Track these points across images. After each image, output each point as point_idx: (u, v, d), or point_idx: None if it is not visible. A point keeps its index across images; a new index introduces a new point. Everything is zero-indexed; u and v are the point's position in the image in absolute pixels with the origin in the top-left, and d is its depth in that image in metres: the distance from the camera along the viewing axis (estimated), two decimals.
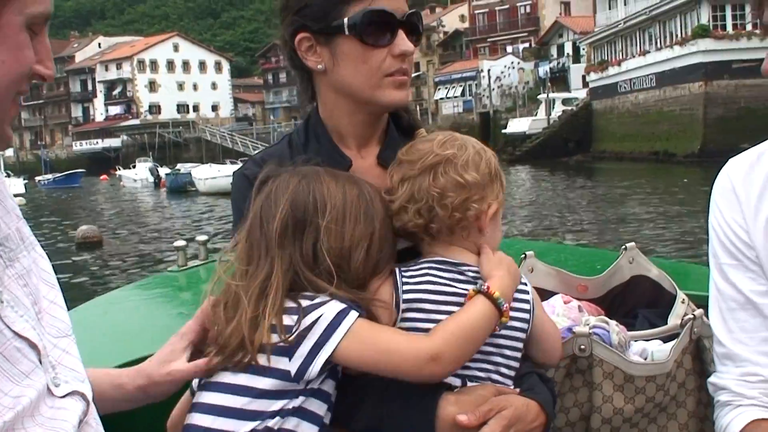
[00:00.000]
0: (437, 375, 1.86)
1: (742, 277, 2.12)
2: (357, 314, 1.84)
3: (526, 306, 2.08)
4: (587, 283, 3.15)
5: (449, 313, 1.94)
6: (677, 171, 43.34)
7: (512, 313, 2.00)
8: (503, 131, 70.90)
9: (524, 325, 2.07)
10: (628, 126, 57.93)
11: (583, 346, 2.57)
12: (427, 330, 1.91)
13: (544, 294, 3.07)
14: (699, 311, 2.69)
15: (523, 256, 3.12)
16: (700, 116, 48.55)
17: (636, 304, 3.10)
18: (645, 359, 2.70)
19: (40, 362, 1.46)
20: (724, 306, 2.17)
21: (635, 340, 2.77)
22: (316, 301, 1.85)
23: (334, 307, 1.84)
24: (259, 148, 77.52)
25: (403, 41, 2.11)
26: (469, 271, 2.02)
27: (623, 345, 2.65)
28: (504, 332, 2.01)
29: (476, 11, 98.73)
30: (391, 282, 1.98)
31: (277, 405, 1.81)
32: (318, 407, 1.87)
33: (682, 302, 2.93)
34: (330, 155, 2.20)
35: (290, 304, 1.86)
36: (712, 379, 2.22)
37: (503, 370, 2.04)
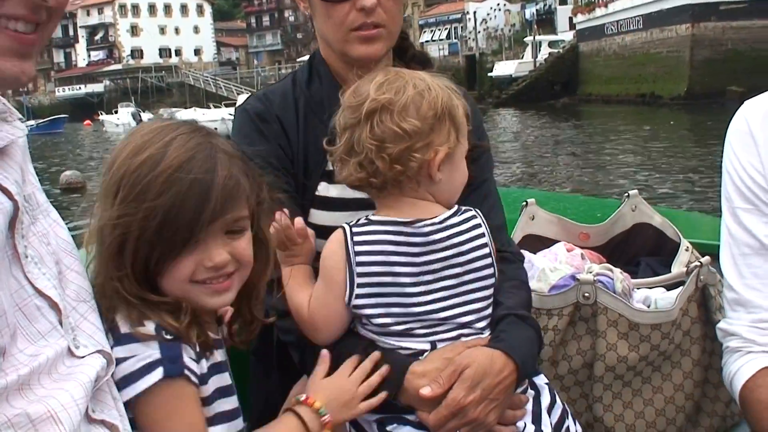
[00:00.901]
0: None
1: (757, 222, 2.08)
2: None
3: (484, 240, 1.97)
4: (589, 230, 3.13)
5: (399, 287, 1.89)
6: (663, 114, 43.35)
7: (479, 263, 1.94)
8: (489, 74, 70.47)
9: (490, 271, 1.98)
10: (615, 68, 57.73)
11: (587, 294, 2.56)
12: (376, 310, 1.88)
13: (546, 242, 3.05)
14: (706, 258, 2.67)
15: (524, 203, 3.09)
16: (687, 58, 48.36)
17: (638, 252, 3.08)
18: (648, 307, 2.68)
19: (61, 324, 1.43)
20: (737, 251, 2.12)
21: (638, 288, 2.76)
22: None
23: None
24: (243, 92, 77.22)
25: None
26: (423, 227, 1.92)
27: (627, 293, 2.64)
28: (473, 285, 1.95)
29: None
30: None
31: None
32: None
33: (686, 250, 2.92)
34: (330, 92, 2.18)
35: None
36: (721, 324, 2.19)
37: (476, 324, 1.98)
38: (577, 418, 2.18)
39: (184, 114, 54.39)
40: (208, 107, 61.61)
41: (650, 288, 2.78)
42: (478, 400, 1.87)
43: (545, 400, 2.06)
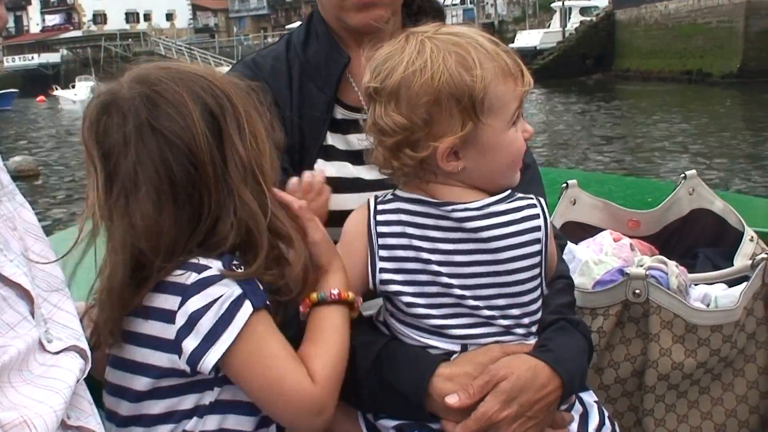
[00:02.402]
0: (317, 429, 1.79)
1: None
2: (251, 309, 1.71)
3: (539, 234, 1.94)
4: (639, 217, 3.15)
5: (429, 272, 1.90)
6: (713, 93, 43.20)
7: (528, 261, 1.93)
8: (510, 46, 69.60)
9: (536, 260, 1.95)
10: (657, 40, 57.62)
11: (638, 290, 2.57)
12: (405, 287, 1.90)
13: (590, 230, 3.07)
14: None
15: (565, 185, 3.11)
16: (741, 29, 48.20)
17: (696, 243, 3.10)
18: (707, 306, 2.70)
19: (32, 314, 1.45)
20: None
21: (696, 284, 2.78)
22: (204, 275, 1.70)
23: (228, 290, 1.70)
24: (222, 64, 77.13)
25: None
26: (454, 212, 1.91)
27: (683, 289, 2.66)
28: (519, 288, 1.94)
29: None
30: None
31: (186, 403, 1.76)
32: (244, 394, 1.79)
33: (751, 240, 2.93)
34: (328, 53, 2.23)
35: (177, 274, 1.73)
36: None
37: (517, 330, 1.96)
38: None
39: None
40: None
41: (710, 284, 2.80)
42: (514, 416, 1.88)
43: (593, 420, 2.06)
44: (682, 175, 3.12)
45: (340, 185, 2.16)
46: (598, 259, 2.74)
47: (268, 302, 1.73)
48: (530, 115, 36.37)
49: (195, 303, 1.66)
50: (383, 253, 1.91)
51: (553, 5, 73.08)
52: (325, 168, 2.18)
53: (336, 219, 2.06)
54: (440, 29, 1.93)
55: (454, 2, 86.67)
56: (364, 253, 1.93)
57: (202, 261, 1.69)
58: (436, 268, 1.89)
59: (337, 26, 2.26)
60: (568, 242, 2.76)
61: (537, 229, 1.93)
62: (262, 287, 1.73)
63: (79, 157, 27.96)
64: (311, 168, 2.17)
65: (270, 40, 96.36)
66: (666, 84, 52.09)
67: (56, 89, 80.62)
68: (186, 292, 1.67)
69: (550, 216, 2.02)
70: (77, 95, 68.96)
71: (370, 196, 2.01)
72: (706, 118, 30.11)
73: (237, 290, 1.68)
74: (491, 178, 1.94)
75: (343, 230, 2.00)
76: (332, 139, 2.20)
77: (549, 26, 70.70)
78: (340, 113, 2.24)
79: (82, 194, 1.84)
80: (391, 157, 1.88)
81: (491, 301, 1.91)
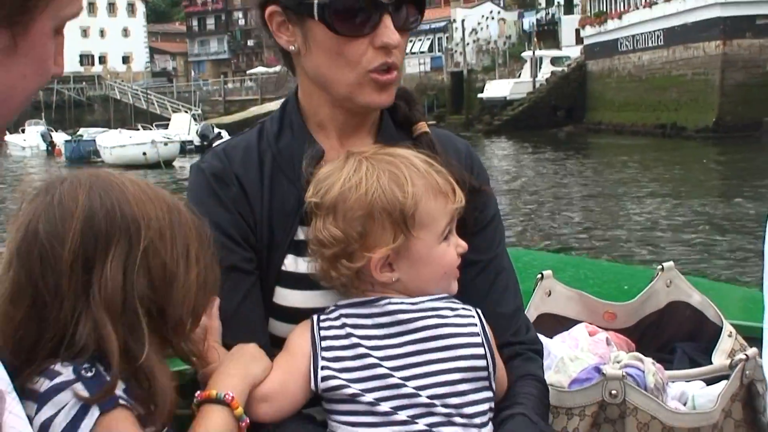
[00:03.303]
0: None
1: None
2: (98, 413, 1.66)
3: (475, 329, 2.05)
4: (615, 309, 3.18)
5: (369, 359, 1.97)
6: (689, 148, 43.64)
7: (461, 340, 2.01)
8: (479, 95, 71.04)
9: (479, 351, 2.03)
10: (630, 92, 58.34)
11: (614, 391, 2.60)
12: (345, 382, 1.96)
13: (565, 322, 3.10)
14: (752, 350, 2.73)
15: (540, 276, 3.14)
16: (717, 82, 48.92)
17: (673, 336, 3.13)
18: (684, 404, 2.74)
19: None
20: None
21: (673, 381, 2.81)
22: (55, 382, 1.68)
23: (74, 397, 1.67)
24: (179, 109, 77.19)
25: (386, 31, 2.06)
26: (388, 304, 2.03)
27: (660, 388, 2.68)
28: (461, 375, 2.00)
29: None
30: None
31: None
32: None
33: (729, 335, 2.97)
34: (301, 146, 2.19)
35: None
36: None
37: (465, 410, 2.00)
38: None
39: (107, 136, 54.30)
40: (136, 128, 61.38)
41: (687, 381, 2.83)
42: None
43: None
44: (660, 266, 3.16)
45: (310, 282, 2.16)
46: (573, 356, 2.77)
47: (123, 401, 1.69)
48: (498, 170, 36.50)
49: (46, 412, 1.65)
50: (326, 354, 1.99)
51: (523, 54, 73.84)
52: (296, 264, 2.18)
53: (306, 316, 2.09)
54: (378, 150, 2.08)
55: (422, 50, 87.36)
56: (307, 357, 2.00)
57: (56, 367, 1.69)
58: (376, 354, 1.97)
59: (320, 115, 2.23)
60: (544, 338, 2.80)
61: (473, 325, 2.05)
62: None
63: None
64: (281, 262, 2.17)
65: (230, 85, 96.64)
66: (639, 138, 52.60)
67: (7, 134, 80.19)
68: (39, 400, 1.67)
69: (525, 307, 2.08)
70: (26, 140, 68.59)
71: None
72: (682, 185, 30.08)
73: (84, 394, 1.66)
74: (425, 289, 2.05)
75: (286, 342, 2.07)
76: (304, 234, 2.19)
77: (519, 76, 71.30)
78: None
79: None
80: (330, 268, 2.01)
81: (431, 390, 1.97)
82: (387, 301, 2.01)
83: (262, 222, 2.18)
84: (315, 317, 2.04)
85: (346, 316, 2.02)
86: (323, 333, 2.00)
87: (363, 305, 2.03)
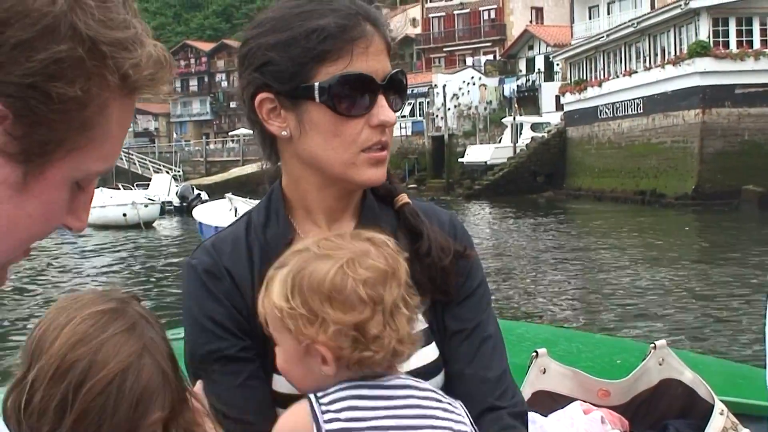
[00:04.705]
0: None
1: None
2: None
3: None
4: (609, 387, 3.23)
5: None
6: (668, 215, 43.79)
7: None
8: (460, 160, 71.35)
9: None
10: (610, 159, 58.63)
11: None
12: None
13: (560, 399, 3.14)
14: (745, 431, 2.77)
15: (535, 353, 3.18)
16: (696, 150, 49.11)
17: (665, 414, 3.18)
18: None
19: None
20: None
21: None
22: None
23: None
24: (161, 170, 77.19)
25: (383, 110, 2.11)
26: (391, 379, 1.93)
27: None
28: None
29: (431, 14, 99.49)
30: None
31: None
32: None
33: (721, 413, 3.02)
34: (287, 235, 2.22)
35: None
36: None
37: None
38: None
39: None
40: (117, 188, 61.36)
41: None
42: None
43: None
44: (652, 344, 3.22)
45: None
46: None
47: None
48: (479, 236, 36.45)
49: None
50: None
51: (503, 120, 74.26)
52: None
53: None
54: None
55: (403, 114, 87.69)
56: None
57: None
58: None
59: (306, 201, 2.25)
60: (539, 416, 2.84)
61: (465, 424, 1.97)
62: None
63: None
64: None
65: (212, 146, 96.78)
66: (619, 204, 52.77)
67: None
68: None
69: (520, 384, 2.08)
70: None
71: None
72: (665, 252, 29.90)
73: None
74: None
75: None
76: None
77: (500, 141, 71.70)
78: None
79: None
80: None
81: None
82: (388, 377, 1.91)
83: (255, 313, 2.20)
84: (313, 398, 1.91)
85: (350, 396, 1.89)
86: (326, 416, 1.87)
87: (367, 380, 1.91)
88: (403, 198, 2.31)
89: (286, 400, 2.09)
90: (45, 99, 1.10)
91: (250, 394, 2.15)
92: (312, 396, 1.91)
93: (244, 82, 2.18)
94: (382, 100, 2.12)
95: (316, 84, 2.07)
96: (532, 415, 2.56)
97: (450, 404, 1.99)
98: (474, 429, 2.00)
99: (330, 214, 2.25)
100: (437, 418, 1.93)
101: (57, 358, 1.77)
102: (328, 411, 1.88)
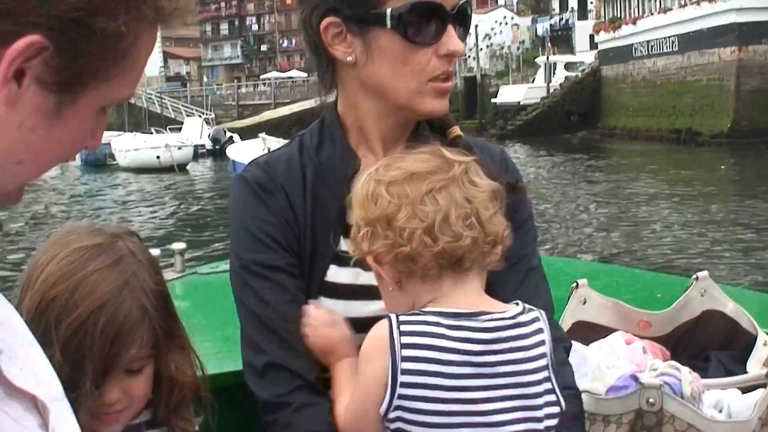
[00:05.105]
0: None
1: None
2: None
3: (545, 361, 1.98)
4: (650, 318, 3.20)
5: (455, 392, 1.89)
6: (705, 155, 43.43)
7: (542, 374, 1.96)
8: (493, 101, 70.90)
9: (549, 386, 1.98)
10: (644, 98, 58.17)
11: (651, 399, 2.61)
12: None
13: (600, 330, 3.12)
14: None
15: (575, 284, 3.16)
16: (732, 88, 48.70)
17: (708, 345, 3.15)
18: (720, 411, 2.75)
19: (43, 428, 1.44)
20: None
21: (708, 389, 2.82)
22: None
23: None
24: (193, 114, 77.28)
25: (452, 40, 2.13)
26: (490, 321, 1.93)
27: (696, 396, 2.70)
28: (536, 401, 1.95)
29: None
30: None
31: None
32: None
33: (764, 344, 2.98)
34: (341, 158, 2.24)
35: None
36: None
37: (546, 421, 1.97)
38: None
39: (121, 140, 54.43)
40: (150, 132, 61.53)
41: (722, 389, 2.85)
42: None
43: None
44: (694, 276, 3.18)
45: (352, 292, 2.20)
46: (611, 364, 2.78)
47: None
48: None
49: None
50: (404, 391, 1.88)
51: (537, 60, 73.81)
52: (339, 274, 2.21)
53: (352, 327, 2.13)
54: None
55: None
56: (381, 396, 1.91)
57: None
58: (461, 383, 1.89)
59: (364, 127, 2.25)
60: (580, 345, 2.82)
61: (543, 343, 1.97)
62: None
63: None
64: (323, 272, 2.21)
65: (244, 90, 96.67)
66: (654, 143, 52.46)
67: None
68: None
69: (560, 316, 2.07)
70: None
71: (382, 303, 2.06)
72: (703, 187, 29.75)
73: None
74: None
75: (359, 363, 2.01)
76: (346, 245, 2.21)
77: (533, 81, 71.32)
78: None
79: None
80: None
81: (519, 417, 1.92)
82: (488, 317, 1.92)
83: (306, 232, 2.21)
84: (394, 321, 1.91)
85: (433, 324, 1.90)
86: (404, 352, 1.88)
87: (459, 316, 1.91)
88: (456, 130, 2.31)
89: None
90: (87, 33, 1.12)
91: (294, 314, 2.15)
92: (393, 316, 1.93)
93: (311, 4, 2.17)
94: (451, 29, 2.13)
95: (388, 10, 2.08)
96: (573, 344, 2.54)
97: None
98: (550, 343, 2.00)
99: (386, 140, 2.26)
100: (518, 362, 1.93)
101: (39, 293, 1.85)
102: (404, 333, 1.90)
